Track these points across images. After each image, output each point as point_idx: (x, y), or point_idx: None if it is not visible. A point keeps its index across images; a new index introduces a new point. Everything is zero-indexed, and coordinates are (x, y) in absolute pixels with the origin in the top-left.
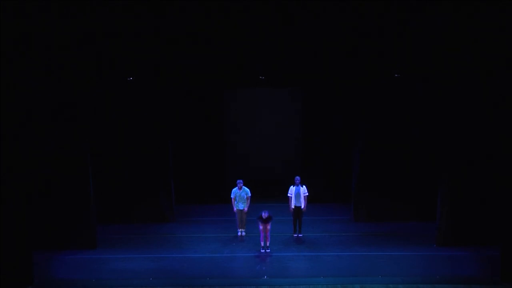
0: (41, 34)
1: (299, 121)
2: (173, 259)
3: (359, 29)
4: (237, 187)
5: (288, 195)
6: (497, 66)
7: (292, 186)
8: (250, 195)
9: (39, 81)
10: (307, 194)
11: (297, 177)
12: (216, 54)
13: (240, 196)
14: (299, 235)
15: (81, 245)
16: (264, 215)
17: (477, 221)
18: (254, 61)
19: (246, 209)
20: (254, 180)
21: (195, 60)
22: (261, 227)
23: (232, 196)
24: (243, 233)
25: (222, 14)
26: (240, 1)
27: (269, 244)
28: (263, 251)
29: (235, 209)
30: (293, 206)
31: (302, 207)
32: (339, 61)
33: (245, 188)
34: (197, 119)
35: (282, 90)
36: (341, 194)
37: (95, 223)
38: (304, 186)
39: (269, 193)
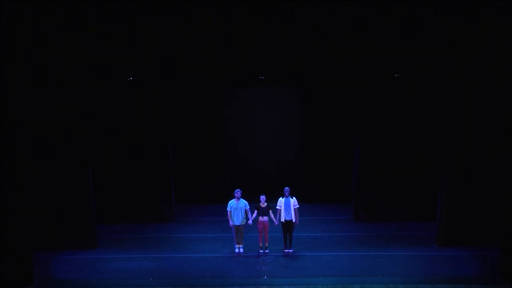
0: (41, 34)
1: (299, 121)
2: (173, 259)
3: (360, 29)
4: (234, 199)
5: (277, 207)
6: (498, 66)
7: (281, 198)
8: (248, 207)
9: (40, 80)
10: (297, 206)
11: (286, 188)
12: (216, 54)
13: (237, 209)
14: (290, 250)
15: (81, 245)
16: (263, 204)
17: (477, 221)
18: (254, 61)
19: (251, 221)
20: (254, 180)
21: (195, 61)
22: (259, 226)
23: (228, 210)
24: (241, 250)
25: (222, 13)
26: (240, 1)
27: (268, 244)
28: (262, 251)
29: (231, 223)
30: (283, 220)
31: (294, 220)
32: (339, 61)
33: (243, 200)
34: (197, 119)
35: (282, 90)
36: (341, 194)
37: (95, 223)
38: (294, 197)
39: (269, 193)
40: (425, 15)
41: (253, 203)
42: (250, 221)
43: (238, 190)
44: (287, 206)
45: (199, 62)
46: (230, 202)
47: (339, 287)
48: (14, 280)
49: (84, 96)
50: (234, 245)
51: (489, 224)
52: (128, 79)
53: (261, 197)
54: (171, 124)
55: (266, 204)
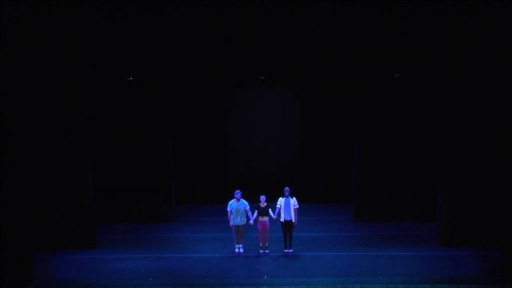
0: (41, 34)
1: (299, 121)
2: (173, 259)
3: (360, 29)
4: (234, 199)
5: (277, 206)
6: (498, 66)
7: (281, 198)
8: (248, 208)
9: (40, 80)
10: (297, 206)
11: (286, 188)
12: (216, 54)
13: (238, 209)
14: (290, 250)
15: (81, 245)
16: (263, 204)
17: (477, 221)
18: (254, 61)
19: (252, 221)
20: (254, 180)
21: (195, 61)
22: (259, 226)
23: (228, 210)
24: (241, 250)
25: (222, 13)
26: (240, 1)
27: (268, 244)
28: (262, 251)
29: (231, 223)
30: (282, 220)
31: (293, 220)
32: (339, 61)
33: (243, 200)
34: (197, 119)
35: (282, 90)
36: (341, 194)
37: (95, 223)
38: (294, 197)
39: (269, 193)
40: (425, 15)
41: (253, 203)
42: (251, 221)
43: (238, 191)
44: (287, 206)
45: (199, 62)
46: (230, 202)
47: (339, 287)
48: (14, 280)
49: (84, 96)
50: (234, 245)
51: (489, 224)
52: (128, 79)
53: (261, 197)
54: (171, 124)
55: (266, 204)
